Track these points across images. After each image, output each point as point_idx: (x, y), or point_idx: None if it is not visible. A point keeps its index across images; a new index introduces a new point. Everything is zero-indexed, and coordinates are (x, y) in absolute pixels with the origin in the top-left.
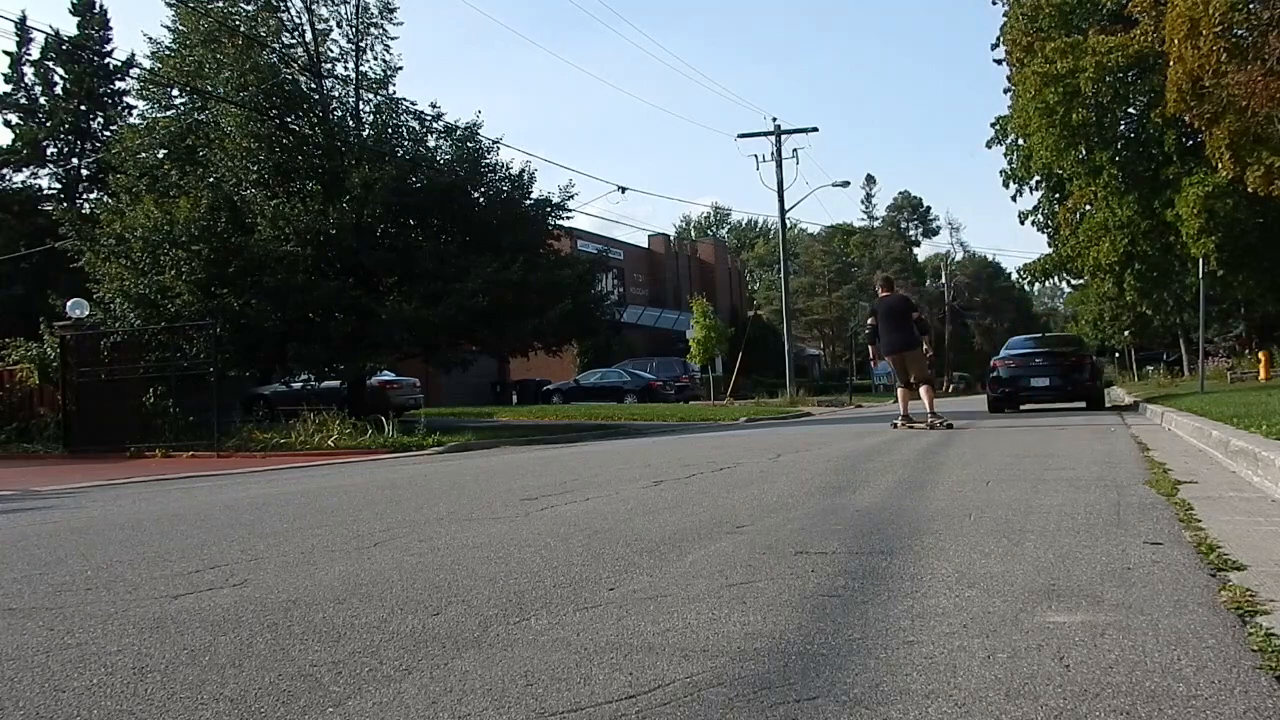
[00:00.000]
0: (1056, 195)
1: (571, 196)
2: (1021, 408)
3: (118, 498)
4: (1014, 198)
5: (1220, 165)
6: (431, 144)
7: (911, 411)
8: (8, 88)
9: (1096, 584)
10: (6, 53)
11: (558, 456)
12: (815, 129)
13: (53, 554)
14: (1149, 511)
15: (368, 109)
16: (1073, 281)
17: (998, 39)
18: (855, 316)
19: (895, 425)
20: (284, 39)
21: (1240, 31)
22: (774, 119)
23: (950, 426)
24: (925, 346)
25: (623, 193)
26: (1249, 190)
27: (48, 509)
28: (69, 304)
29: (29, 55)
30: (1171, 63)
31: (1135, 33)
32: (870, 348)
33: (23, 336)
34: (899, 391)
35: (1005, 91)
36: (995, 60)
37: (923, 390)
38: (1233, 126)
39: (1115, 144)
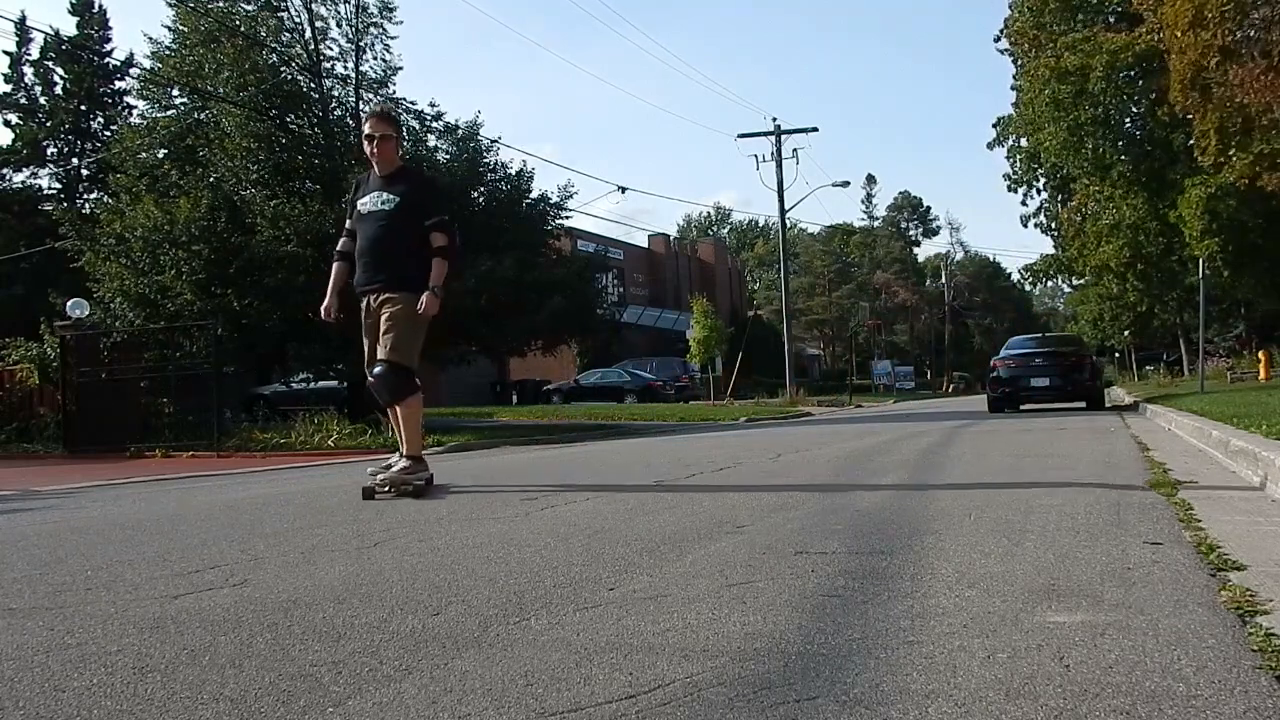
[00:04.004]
0: (1060, 196)
1: (570, 196)
2: (1021, 408)
3: (118, 498)
4: (1024, 201)
5: (1205, 152)
6: (431, 144)
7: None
8: (8, 88)
9: (1096, 584)
10: (6, 53)
11: (557, 456)
12: (815, 129)
13: (53, 554)
14: (1149, 511)
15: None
16: (1073, 282)
17: (1000, 32)
18: (855, 316)
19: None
20: (283, 39)
21: (1239, 30)
22: (774, 119)
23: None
24: None
25: (623, 193)
26: (1234, 181)
27: (48, 509)
28: (69, 304)
29: (29, 55)
30: (1174, 54)
31: (1140, 30)
32: None
33: (23, 336)
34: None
35: (1012, 89)
36: (1000, 50)
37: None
38: (1223, 111)
39: (1120, 144)
